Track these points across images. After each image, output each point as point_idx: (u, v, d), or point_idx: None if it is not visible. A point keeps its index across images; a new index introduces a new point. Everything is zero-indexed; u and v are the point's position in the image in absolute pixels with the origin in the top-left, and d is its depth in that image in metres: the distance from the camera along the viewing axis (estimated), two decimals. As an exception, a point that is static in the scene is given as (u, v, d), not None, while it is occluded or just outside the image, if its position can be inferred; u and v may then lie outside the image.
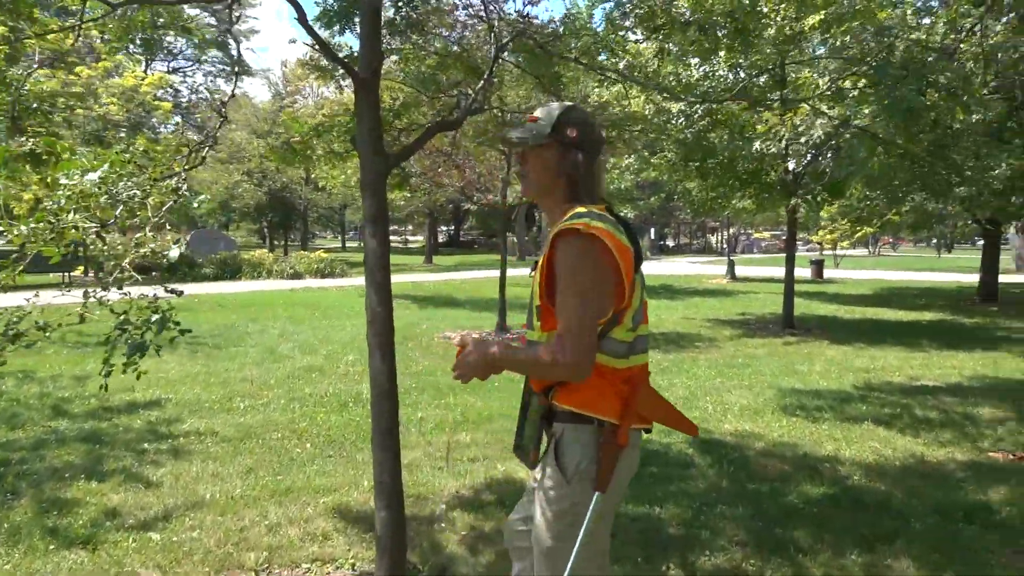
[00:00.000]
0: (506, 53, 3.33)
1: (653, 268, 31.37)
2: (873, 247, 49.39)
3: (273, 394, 7.15)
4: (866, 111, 6.53)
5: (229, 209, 38.71)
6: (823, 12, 9.23)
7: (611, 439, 1.94)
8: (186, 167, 2.44)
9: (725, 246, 52.13)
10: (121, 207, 2.02)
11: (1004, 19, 12.15)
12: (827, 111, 6.91)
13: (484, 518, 4.12)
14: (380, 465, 2.79)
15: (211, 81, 46.84)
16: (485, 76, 3.11)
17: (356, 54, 3.57)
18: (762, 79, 11.88)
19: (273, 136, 31.76)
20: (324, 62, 3.95)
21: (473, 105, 3.02)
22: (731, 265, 25.17)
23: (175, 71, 45.84)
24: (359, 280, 22.73)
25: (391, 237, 3.08)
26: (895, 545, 3.77)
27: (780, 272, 28.30)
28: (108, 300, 2.24)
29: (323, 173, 14.36)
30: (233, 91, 2.70)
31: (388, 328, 2.83)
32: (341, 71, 4.25)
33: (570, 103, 2.14)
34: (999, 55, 8.75)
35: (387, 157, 2.83)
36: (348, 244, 59.55)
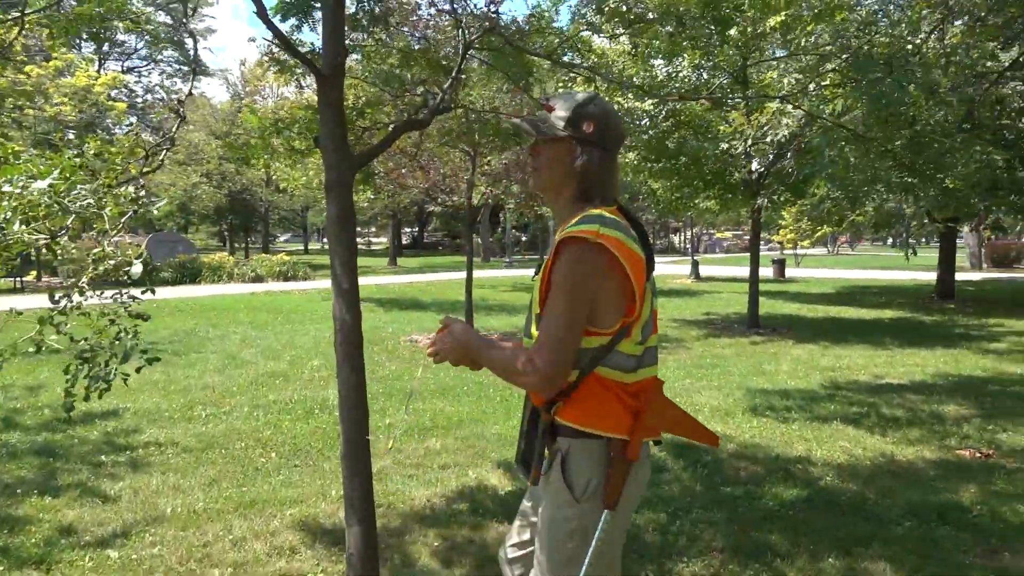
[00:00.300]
0: (472, 50, 3.24)
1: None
2: (832, 246, 50.18)
3: (236, 402, 6.95)
4: (839, 107, 6.56)
5: (188, 212, 38.01)
6: (784, 13, 9.31)
7: (621, 454, 1.84)
8: (143, 171, 2.30)
9: (688, 246, 52.61)
10: (73, 217, 1.89)
11: (959, 22, 12.40)
12: (794, 109, 6.95)
13: (457, 527, 4.01)
14: (350, 479, 2.67)
15: (167, 81, 45.99)
16: (453, 74, 3.01)
17: (318, 50, 3.46)
18: (725, 80, 11.97)
19: (232, 137, 31.23)
20: (285, 58, 3.81)
21: (441, 104, 2.92)
22: (695, 265, 25.35)
23: (130, 71, 44.88)
24: (322, 283, 22.44)
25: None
26: (871, 548, 3.75)
27: (743, 272, 28.63)
28: (71, 308, 2.12)
29: (284, 174, 14.13)
30: (190, 90, 2.56)
31: (356, 336, 2.72)
32: (302, 68, 4.12)
33: (591, 92, 1.98)
34: (956, 57, 8.89)
35: (352, 157, 2.71)
36: (310, 246, 58.89)
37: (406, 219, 50.77)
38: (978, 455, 5.33)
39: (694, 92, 11.62)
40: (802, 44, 8.64)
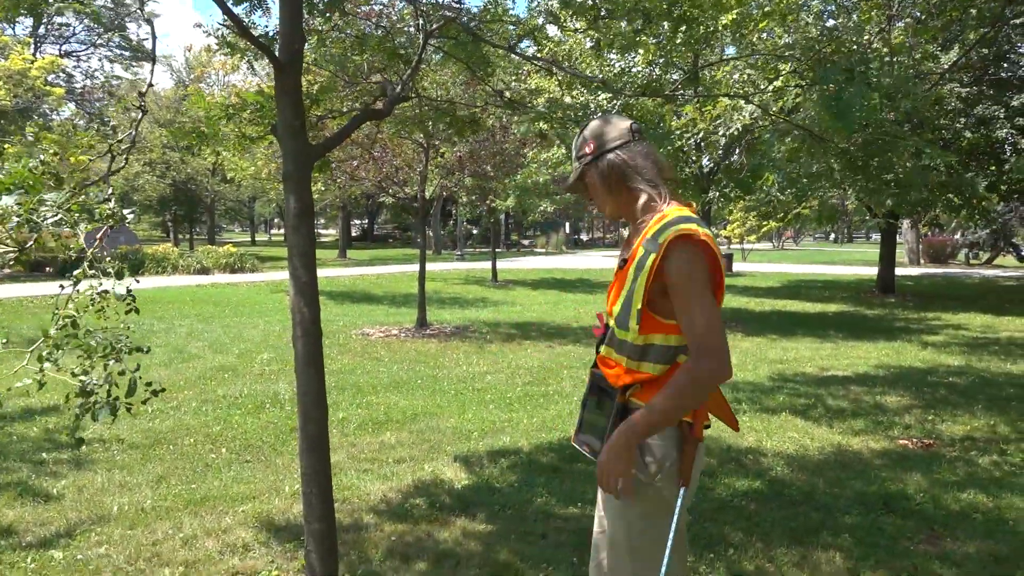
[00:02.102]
0: (432, 40, 3.20)
1: (569, 262, 31.67)
2: (777, 241, 51.25)
3: (183, 396, 6.79)
4: (788, 103, 6.70)
5: (130, 202, 36.95)
6: (735, 12, 9.43)
7: (689, 435, 1.96)
8: (110, 171, 2.21)
9: (638, 240, 53.11)
10: (41, 230, 1.82)
11: (901, 22, 12.73)
12: (745, 104, 7.07)
13: (414, 522, 3.98)
14: (308, 476, 2.62)
15: (108, 66, 44.55)
16: (414, 62, 2.97)
17: (273, 35, 3.38)
18: (676, 76, 12.09)
19: (176, 126, 30.45)
20: (238, 41, 3.71)
21: (401, 93, 2.87)
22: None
23: (68, 55, 43.34)
24: (271, 275, 22.06)
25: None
26: (821, 537, 3.84)
27: (692, 265, 28.96)
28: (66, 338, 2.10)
29: (232, 164, 13.84)
30: (151, 82, 2.46)
31: (316, 331, 2.67)
32: (255, 52, 4.02)
33: (586, 123, 2.12)
34: (900, 57, 9.14)
35: (310, 147, 2.66)
36: (258, 238, 57.84)
37: (356, 211, 50.21)
38: (919, 445, 5.50)
39: (648, 88, 11.70)
40: (754, 41, 8.78)
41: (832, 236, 72.42)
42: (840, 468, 4.93)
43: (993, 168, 15.11)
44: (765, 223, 28.63)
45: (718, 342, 1.85)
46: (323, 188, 13.84)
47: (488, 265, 23.61)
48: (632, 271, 1.94)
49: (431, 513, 4.11)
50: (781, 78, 6.70)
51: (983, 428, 5.95)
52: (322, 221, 57.35)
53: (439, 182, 11.86)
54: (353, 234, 52.31)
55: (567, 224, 48.89)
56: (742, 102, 7.05)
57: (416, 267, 11.76)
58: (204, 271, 22.56)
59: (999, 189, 15.71)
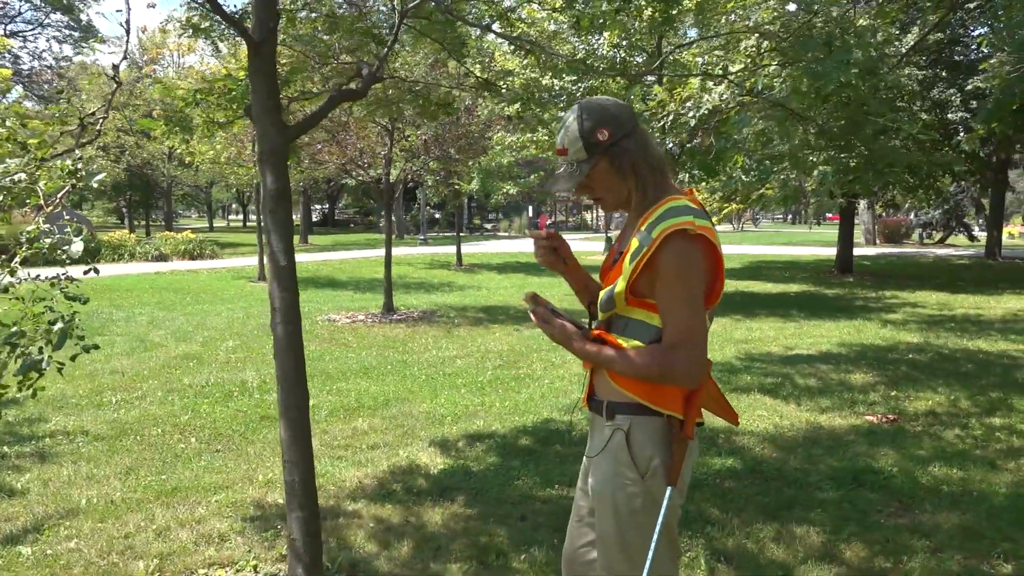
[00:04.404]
0: (406, 19, 3.14)
1: (532, 246, 31.62)
2: (736, 223, 51.83)
3: (148, 386, 6.65)
4: (759, 84, 6.74)
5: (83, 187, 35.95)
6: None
7: (679, 432, 1.90)
8: (80, 142, 2.12)
9: (600, 223, 53.35)
10: (4, 194, 1.72)
11: (861, 2, 12.87)
12: (715, 85, 7.10)
13: (392, 508, 3.96)
14: (291, 464, 2.58)
15: (56, 47, 43.17)
16: (390, 42, 2.91)
17: (239, 13, 3.29)
18: (640, 58, 12.11)
19: (131, 108, 29.67)
20: (201, 21, 3.60)
21: (377, 72, 2.81)
22: (608, 241, 25.72)
23: (14, 35, 41.91)
24: (232, 262, 21.71)
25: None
26: (795, 512, 3.90)
27: (654, 248, 29.13)
28: None
29: (190, 149, 13.52)
30: (125, 53, 2.37)
31: (295, 316, 2.62)
32: (219, 31, 3.92)
33: (577, 105, 1.99)
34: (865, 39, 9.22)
35: (286, 128, 2.59)
36: (216, 224, 56.84)
37: (316, 196, 49.56)
38: (885, 420, 5.61)
39: (611, 69, 11.70)
40: (720, 22, 8.81)
41: (790, 217, 73.55)
42: (811, 444, 5.02)
43: (947, 150, 15.44)
44: (727, 205, 28.94)
45: (697, 349, 1.81)
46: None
47: (452, 249, 23.52)
48: (627, 261, 1.88)
49: (409, 498, 4.09)
50: (764, 55, 6.72)
51: (945, 403, 6.10)
52: (282, 206, 56.41)
53: (404, 165, 11.74)
54: (313, 219, 51.67)
55: (530, 207, 48.88)
56: (711, 83, 7.09)
57: (380, 252, 11.67)
58: (162, 258, 22.10)
59: (952, 170, 16.06)
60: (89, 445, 5.04)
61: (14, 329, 1.92)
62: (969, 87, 13.71)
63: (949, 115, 14.41)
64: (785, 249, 29.50)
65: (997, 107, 11.16)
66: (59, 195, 1.85)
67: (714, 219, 26.33)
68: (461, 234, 21.82)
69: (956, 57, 15.23)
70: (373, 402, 6.14)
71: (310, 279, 17.06)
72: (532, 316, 2.04)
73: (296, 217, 47.86)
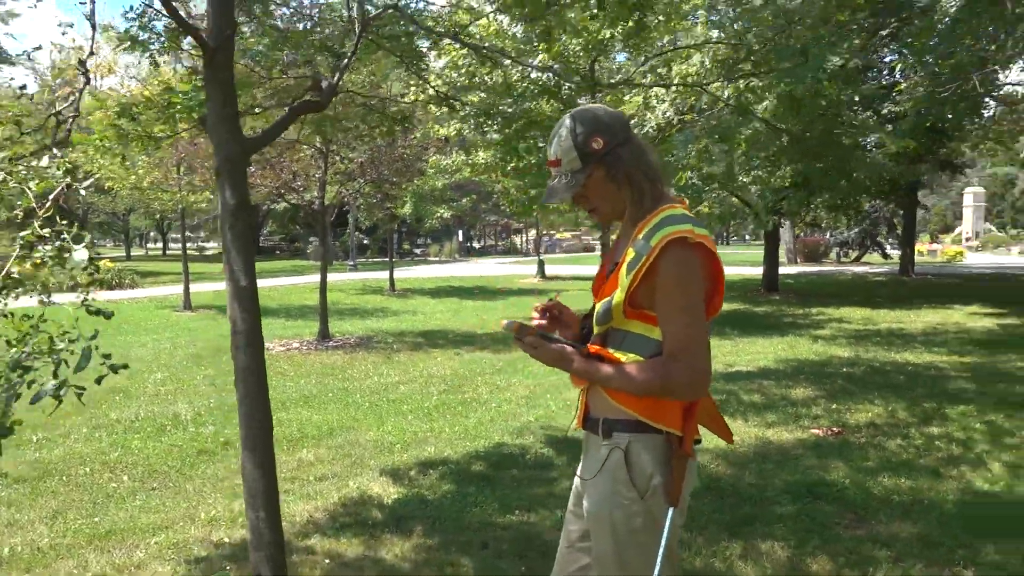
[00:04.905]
0: (367, 32, 3.04)
1: (464, 270, 31.57)
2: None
3: (71, 423, 6.24)
4: (721, 94, 6.89)
5: (-12, 216, 34.19)
6: (630, 21, 9.66)
7: (679, 449, 1.83)
8: (56, 139, 1.94)
9: (529, 247, 53.69)
10: None
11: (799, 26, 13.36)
12: (659, 104, 7.22)
13: (348, 543, 3.77)
14: (255, 500, 2.41)
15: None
16: (351, 52, 2.80)
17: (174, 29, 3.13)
18: (572, 81, 12.24)
19: (43, 132, 28.36)
20: (142, 35, 3.42)
21: (337, 83, 2.70)
22: (541, 264, 25.85)
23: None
24: (153, 291, 20.90)
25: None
26: (757, 528, 3.89)
27: (585, 270, 29.41)
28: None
29: (110, 172, 12.97)
30: (92, 48, 2.19)
31: (258, 340, 2.47)
32: (160, 45, 3.73)
33: (568, 115, 1.92)
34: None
35: (245, 139, 2.45)
36: (134, 253, 54.78)
37: (240, 222, 48.20)
38: (830, 433, 5.71)
39: (544, 92, 11.80)
40: (656, 45, 9.02)
41: (720, 238, 75.41)
42: (762, 460, 5.04)
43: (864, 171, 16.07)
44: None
45: (699, 360, 1.77)
46: (212, 197, 13.19)
47: (383, 275, 23.20)
48: (624, 272, 1.82)
49: (365, 531, 3.91)
50: (734, 67, 6.88)
51: (884, 414, 6.25)
52: (203, 234, 54.89)
53: (339, 189, 11.52)
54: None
55: (460, 232, 48.82)
56: (654, 101, 7.20)
57: (309, 278, 11.41)
58: (77, 288, 21.06)
59: (870, 190, 16.73)
60: (8, 489, 4.68)
61: (26, 349, 1.70)
62: (884, 111, 14.34)
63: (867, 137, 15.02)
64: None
65: (912, 127, 11.71)
66: (52, 196, 1.68)
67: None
68: (392, 259, 21.55)
69: (871, 82, 15.93)
70: (317, 432, 5.91)
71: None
72: (518, 344, 1.95)
73: (218, 245, 46.49)
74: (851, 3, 6.62)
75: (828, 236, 38.02)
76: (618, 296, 1.81)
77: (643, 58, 13.44)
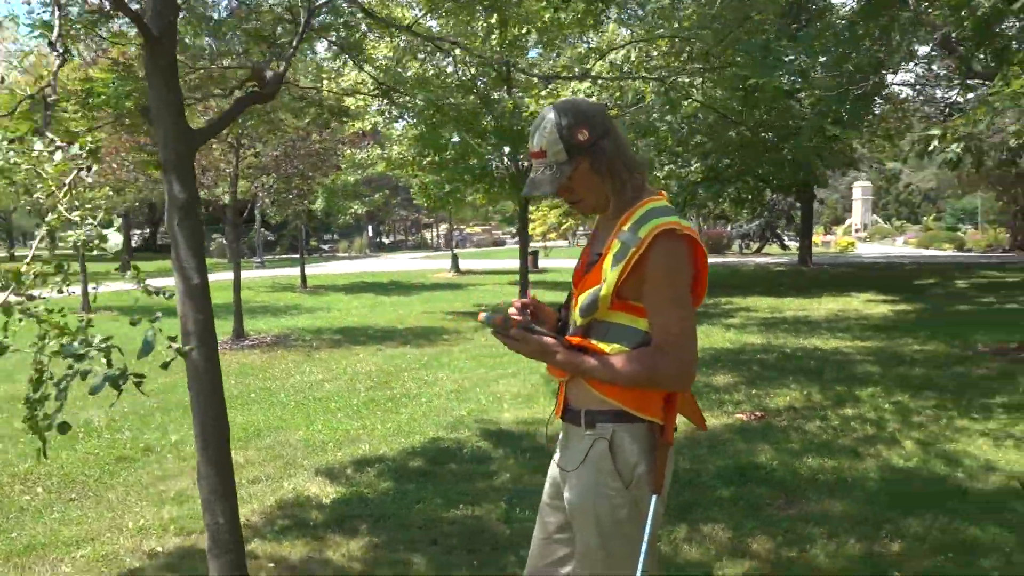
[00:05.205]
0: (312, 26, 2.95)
1: (375, 266, 31.15)
2: (572, 239, 53.59)
3: (-29, 433, 5.83)
4: (631, 97, 7.02)
5: None
6: (540, 23, 9.79)
7: (661, 438, 1.85)
8: (46, 122, 1.77)
9: (440, 241, 53.51)
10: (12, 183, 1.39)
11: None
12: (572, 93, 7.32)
13: (291, 546, 3.67)
14: (212, 504, 2.31)
15: None
16: (295, 42, 2.70)
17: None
18: (486, 79, 12.27)
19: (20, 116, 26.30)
20: (50, 19, 3.19)
21: (284, 72, 2.60)
22: (455, 259, 25.79)
23: None
24: (44, 291, 19.69)
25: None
26: (697, 512, 3.99)
27: (497, 264, 29.57)
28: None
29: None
30: (59, 31, 2.00)
31: (212, 340, 2.37)
32: (76, 32, 3.52)
33: (551, 107, 1.90)
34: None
35: (192, 131, 2.33)
36: (17, 252, 51.49)
37: (136, 220, 46.14)
38: (754, 417, 5.92)
39: (461, 88, 11.78)
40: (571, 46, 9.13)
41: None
42: (694, 445, 5.18)
43: (768, 167, 16.73)
44: (565, 221, 29.86)
45: (688, 351, 1.79)
46: (111, 194, 12.52)
47: (292, 272, 22.66)
48: (609, 264, 1.82)
49: (307, 532, 3.81)
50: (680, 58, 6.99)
51: (800, 398, 6.53)
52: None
53: (253, 183, 11.16)
54: (133, 244, 48.02)
55: (369, 227, 48.11)
56: (581, 95, 7.32)
57: (216, 277, 10.97)
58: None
59: (772, 184, 17.43)
60: (-92, 506, 4.33)
61: (80, 338, 1.53)
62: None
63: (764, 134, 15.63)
64: (621, 262, 30.75)
65: (810, 129, 12.26)
66: (70, 178, 1.55)
67: (552, 235, 27.11)
68: (303, 256, 21.03)
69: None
70: (243, 433, 5.71)
71: (143, 308, 15.79)
72: (500, 337, 1.93)
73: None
74: (761, 4, 6.89)
75: (729, 228, 39.41)
76: (606, 288, 1.81)
77: (556, 53, 13.56)
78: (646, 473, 1.84)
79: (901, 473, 4.60)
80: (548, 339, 1.89)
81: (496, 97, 11.59)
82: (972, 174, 25.43)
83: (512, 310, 1.96)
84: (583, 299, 1.88)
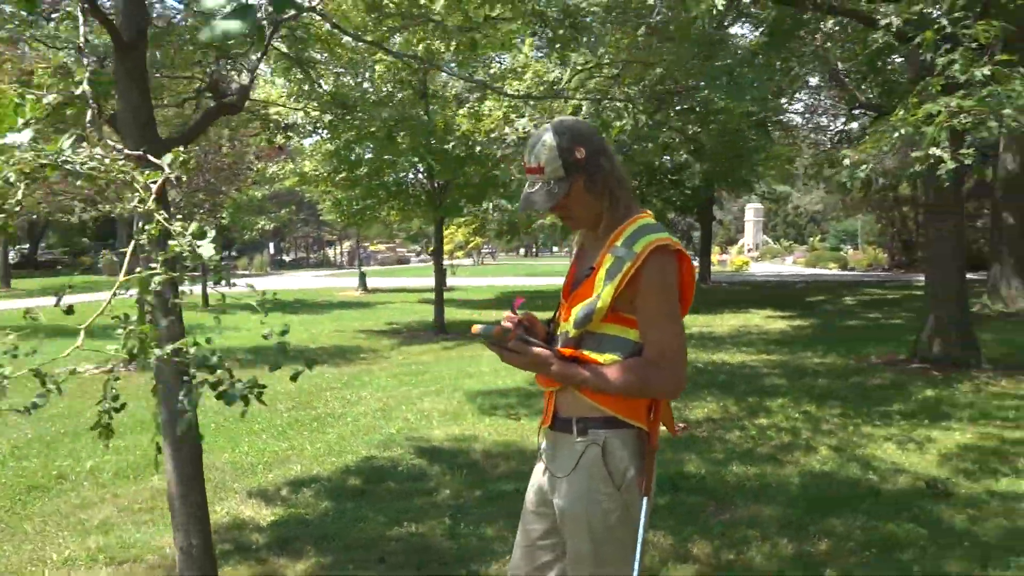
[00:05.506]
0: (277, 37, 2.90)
1: (278, 283, 30.34)
2: (478, 257, 53.82)
3: None
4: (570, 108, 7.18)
5: None
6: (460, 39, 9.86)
7: (647, 444, 1.92)
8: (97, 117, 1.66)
9: (344, 259, 52.65)
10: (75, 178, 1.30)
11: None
12: (517, 119, 7.43)
13: (235, 571, 3.56)
14: (186, 527, 2.23)
15: None
16: (260, 55, 2.67)
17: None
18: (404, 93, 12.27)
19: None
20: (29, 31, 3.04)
21: (251, 83, 2.57)
22: (362, 277, 25.43)
23: None
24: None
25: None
26: (638, 520, 4.11)
27: (404, 282, 29.31)
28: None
29: None
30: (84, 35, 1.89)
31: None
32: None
33: (548, 124, 1.98)
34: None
35: (161, 139, 2.28)
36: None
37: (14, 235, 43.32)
38: (678, 429, 6.12)
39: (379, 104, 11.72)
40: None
41: (522, 251, 77.75)
42: (625, 457, 5.32)
43: (672, 189, 17.38)
44: (472, 239, 30.01)
45: (682, 365, 1.89)
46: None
47: (192, 289, 21.76)
48: (602, 278, 1.89)
49: (249, 556, 3.71)
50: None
51: (718, 410, 6.80)
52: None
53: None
54: (11, 260, 45.03)
55: (271, 244, 46.85)
56: (513, 115, 7.41)
57: (105, 295, 10.50)
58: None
59: (675, 205, 18.08)
60: None
61: (208, 347, 1.42)
62: (691, 132, 15.62)
63: (676, 156, 16.23)
64: (526, 280, 31.10)
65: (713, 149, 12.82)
66: (156, 187, 1.47)
67: (459, 252, 27.25)
68: (196, 274, 20.26)
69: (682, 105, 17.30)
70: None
71: (34, 328, 14.86)
72: (496, 349, 1.97)
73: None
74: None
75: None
76: (603, 300, 1.88)
77: (468, 72, 13.70)
78: (636, 477, 1.92)
79: (819, 477, 4.87)
80: (544, 351, 1.95)
81: (414, 113, 11.61)
82: (856, 198, 27.14)
83: (506, 323, 2.00)
84: (577, 311, 1.94)
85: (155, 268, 1.35)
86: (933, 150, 4.15)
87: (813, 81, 15.70)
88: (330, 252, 56.17)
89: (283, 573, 3.51)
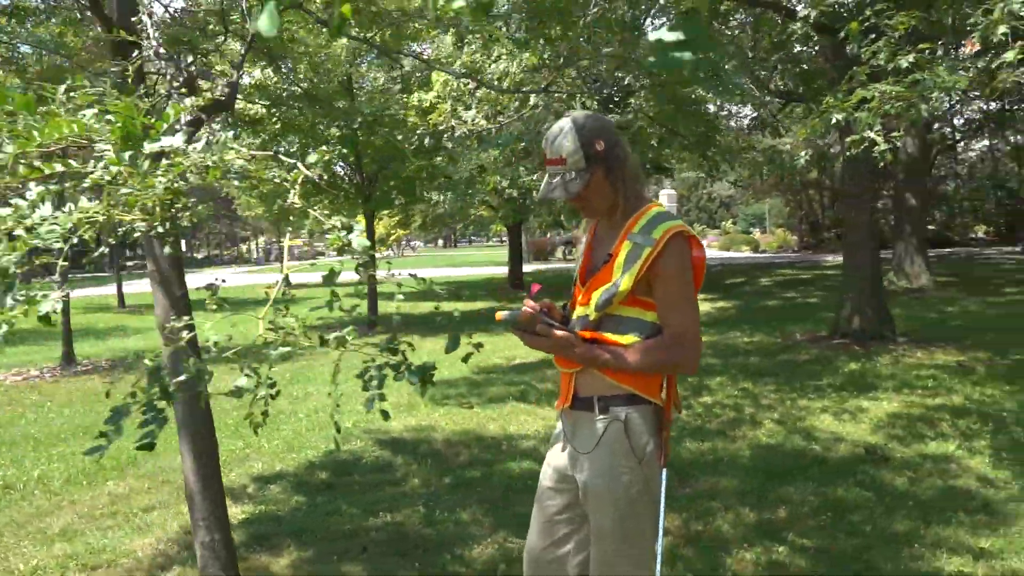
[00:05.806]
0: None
1: (194, 281, 29.35)
2: (398, 249, 53.42)
3: None
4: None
5: None
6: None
7: (664, 418, 2.08)
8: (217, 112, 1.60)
9: (260, 255, 51.45)
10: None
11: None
12: (465, 111, 7.44)
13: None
14: (208, 523, 2.24)
15: None
16: (243, 51, 2.64)
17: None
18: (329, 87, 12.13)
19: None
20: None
21: (238, 78, 2.55)
22: (286, 280, 24.89)
23: None
24: None
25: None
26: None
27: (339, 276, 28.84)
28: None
29: None
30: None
31: (195, 352, 2.28)
32: None
33: (567, 117, 2.07)
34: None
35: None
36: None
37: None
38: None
39: (308, 99, 11.56)
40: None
41: (441, 243, 77.60)
42: (582, 439, 5.49)
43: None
44: (395, 232, 29.80)
45: (699, 343, 2.03)
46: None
47: (103, 291, 21.01)
48: (621, 264, 2.00)
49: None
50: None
51: (662, 390, 7.05)
52: None
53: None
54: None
55: (183, 241, 45.28)
56: (460, 108, 7.44)
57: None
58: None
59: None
60: None
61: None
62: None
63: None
64: (451, 271, 31.11)
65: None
66: (297, 180, 1.47)
67: (381, 248, 26.90)
68: (104, 274, 19.53)
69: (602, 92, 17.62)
70: (115, 462, 5.34)
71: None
72: (520, 334, 2.06)
73: None
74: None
75: (549, 236, 40.97)
76: (624, 284, 1.99)
77: (400, 66, 13.64)
78: (655, 449, 2.05)
79: (768, 449, 5.14)
80: (567, 334, 2.05)
81: (341, 106, 11.48)
82: (765, 183, 28.18)
83: (527, 309, 2.09)
84: (598, 296, 2.05)
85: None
86: (867, 133, 4.43)
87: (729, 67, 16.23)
88: (243, 248, 54.70)
89: (266, 569, 3.51)
